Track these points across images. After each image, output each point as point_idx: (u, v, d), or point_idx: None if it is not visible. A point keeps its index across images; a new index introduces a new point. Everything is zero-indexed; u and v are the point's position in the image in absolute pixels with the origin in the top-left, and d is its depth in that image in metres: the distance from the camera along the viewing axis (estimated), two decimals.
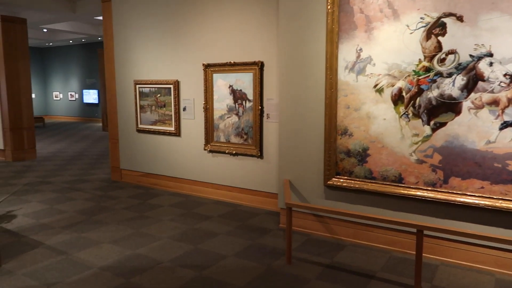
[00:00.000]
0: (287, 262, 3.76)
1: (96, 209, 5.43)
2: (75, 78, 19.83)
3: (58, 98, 20.64)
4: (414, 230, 3.23)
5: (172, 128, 6.22)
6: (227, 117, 5.62)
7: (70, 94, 20.01)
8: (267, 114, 5.31)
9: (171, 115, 6.18)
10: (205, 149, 5.88)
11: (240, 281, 3.43)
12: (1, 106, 8.96)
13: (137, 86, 6.51)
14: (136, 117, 6.62)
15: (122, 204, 5.68)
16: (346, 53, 4.01)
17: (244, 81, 5.40)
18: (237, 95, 5.49)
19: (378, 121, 3.92)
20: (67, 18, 12.73)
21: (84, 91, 19.19)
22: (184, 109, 6.07)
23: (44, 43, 18.69)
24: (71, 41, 18.03)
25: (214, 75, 5.65)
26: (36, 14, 11.94)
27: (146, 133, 6.58)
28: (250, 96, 5.39)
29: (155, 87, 6.32)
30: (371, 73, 3.89)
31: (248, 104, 5.42)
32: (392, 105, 3.83)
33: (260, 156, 5.41)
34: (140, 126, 6.61)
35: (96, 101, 18.70)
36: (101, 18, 12.19)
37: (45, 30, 14.86)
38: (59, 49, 20.21)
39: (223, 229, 4.67)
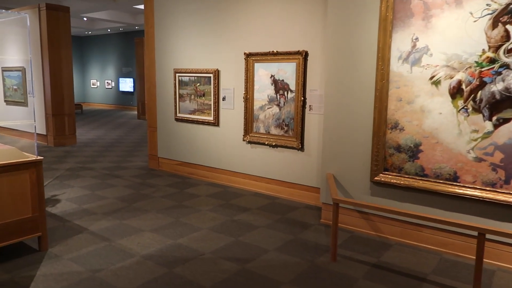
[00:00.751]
0: (331, 259, 3.63)
1: (135, 197, 5.48)
2: (111, 67, 20.24)
3: (95, 86, 21.16)
4: (471, 232, 3.02)
5: (210, 118, 6.17)
6: (268, 108, 5.50)
7: (107, 82, 20.46)
8: (310, 106, 5.15)
9: (210, 104, 6.13)
10: (244, 140, 5.80)
11: (284, 277, 3.34)
12: (44, 93, 9.22)
13: (177, 74, 6.49)
14: (175, 106, 6.62)
15: (160, 192, 5.70)
16: (400, 43, 3.79)
17: (287, 71, 5.25)
18: (279, 86, 5.35)
19: (433, 115, 3.69)
20: (108, 7, 12.92)
21: (120, 79, 19.56)
22: (224, 98, 6.00)
23: (84, 31, 19.13)
24: (109, 30, 18.35)
25: (256, 65, 5.53)
26: (77, 3, 12.17)
27: (184, 122, 6.57)
28: (292, 86, 5.24)
29: (194, 76, 6.27)
30: (427, 64, 3.66)
31: (290, 95, 5.27)
32: (450, 99, 3.59)
33: (301, 148, 5.27)
34: (178, 115, 6.60)
35: (131, 90, 19.03)
36: (139, 6, 12.29)
37: (85, 18, 15.17)
38: (97, 38, 20.66)
39: (262, 222, 4.59)
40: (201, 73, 6.17)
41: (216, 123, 6.12)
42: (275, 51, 5.29)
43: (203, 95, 6.22)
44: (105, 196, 5.46)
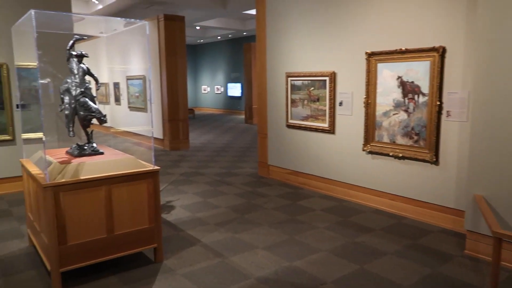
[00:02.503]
0: None
1: (247, 207, 5.25)
2: (221, 73, 21.03)
3: (206, 91, 22.22)
4: None
5: (325, 125, 5.67)
6: (393, 114, 4.81)
7: (216, 88, 21.32)
8: (448, 111, 4.33)
9: (325, 110, 5.64)
10: (363, 150, 5.18)
11: None
12: (161, 99, 9.72)
13: (289, 79, 6.15)
14: (287, 112, 6.28)
15: (272, 203, 5.39)
16: None
17: (418, 71, 4.51)
18: (408, 88, 4.63)
19: None
20: (218, 14, 13.30)
21: (229, 84, 20.19)
22: (341, 103, 5.45)
23: (196, 40, 20.21)
24: (219, 37, 19.07)
25: (379, 65, 4.88)
26: (191, 12, 12.75)
27: (296, 129, 6.19)
28: (424, 89, 4.48)
29: (308, 80, 5.85)
30: None
31: (421, 99, 4.52)
32: None
33: (435, 162, 4.47)
34: (290, 121, 6.25)
35: (239, 94, 19.48)
36: (249, 12, 12.37)
37: (198, 27, 15.92)
38: (208, 46, 21.68)
39: (390, 248, 3.94)
40: (315, 76, 5.72)
41: (331, 130, 5.61)
42: (403, 48, 4.58)
43: (317, 100, 5.76)
44: (217, 205, 5.34)
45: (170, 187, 6.27)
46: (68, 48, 3.40)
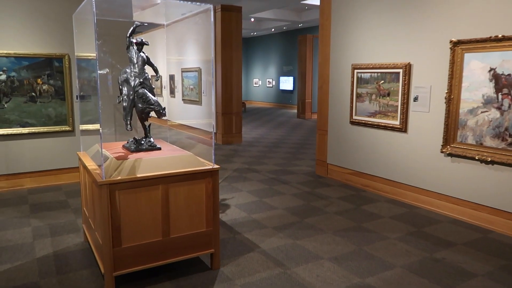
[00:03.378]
0: None
1: (306, 209, 4.86)
2: (273, 66, 20.64)
3: (257, 85, 21.95)
4: None
5: (396, 122, 5.12)
6: (482, 112, 4.18)
7: (268, 81, 20.97)
8: None
9: (397, 106, 5.09)
10: (442, 151, 4.59)
11: None
12: (215, 92, 9.53)
13: (356, 71, 5.63)
14: (351, 107, 5.78)
15: (333, 207, 4.96)
16: None
17: None
18: (502, 82, 3.98)
19: None
20: (275, 5, 12.86)
21: (281, 78, 19.76)
22: (416, 99, 4.88)
23: (250, 32, 19.94)
24: (273, 29, 18.66)
25: (466, 55, 4.26)
26: (247, 3, 12.43)
27: (361, 126, 5.68)
28: None
29: (377, 72, 5.31)
30: None
31: None
32: None
33: None
34: (355, 117, 5.74)
35: (291, 88, 19.01)
36: (308, 1, 11.84)
37: (252, 19, 15.60)
38: (261, 38, 21.35)
39: (479, 268, 3.39)
40: (386, 68, 5.17)
41: (403, 128, 5.05)
42: (499, 35, 3.94)
43: (388, 94, 5.21)
44: (274, 206, 5.00)
45: (224, 184, 6.02)
46: (128, 35, 3.17)
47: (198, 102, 10.32)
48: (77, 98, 5.66)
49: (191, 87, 10.54)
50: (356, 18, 5.58)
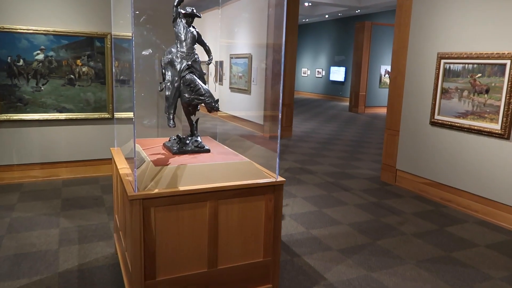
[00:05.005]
0: None
1: (377, 227, 4.02)
2: (323, 55, 19.52)
3: (306, 75, 20.92)
4: None
5: (496, 126, 4.12)
6: None
7: (317, 71, 19.89)
8: None
9: (499, 106, 4.08)
10: None
11: None
12: (265, 82, 8.76)
13: (443, 61, 4.64)
14: (433, 105, 4.80)
15: (410, 226, 4.08)
16: None
17: None
18: None
19: None
20: None
21: (332, 68, 18.63)
22: None
23: (302, 19, 18.89)
24: (327, 16, 17.53)
25: None
26: None
27: (446, 128, 4.70)
28: None
29: (473, 63, 4.31)
30: None
31: None
32: None
33: None
34: (437, 117, 4.77)
35: (342, 79, 17.86)
36: None
37: (307, 3, 14.59)
38: (312, 26, 20.23)
39: None
40: (486, 58, 4.16)
41: (505, 135, 4.04)
42: None
43: (486, 91, 4.20)
44: (336, 220, 4.19)
45: None
46: (175, 4, 2.46)
47: (246, 91, 9.61)
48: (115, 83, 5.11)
49: (240, 74, 9.83)
50: None
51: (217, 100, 2.42)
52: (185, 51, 2.46)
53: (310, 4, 14.81)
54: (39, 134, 4.99)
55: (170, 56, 2.52)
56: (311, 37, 20.42)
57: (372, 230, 3.96)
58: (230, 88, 10.52)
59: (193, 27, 2.53)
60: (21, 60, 4.74)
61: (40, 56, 4.81)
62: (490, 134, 4.18)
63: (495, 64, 4.08)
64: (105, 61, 5.12)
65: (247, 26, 9.64)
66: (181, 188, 2.20)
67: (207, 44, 2.62)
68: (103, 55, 5.11)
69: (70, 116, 5.08)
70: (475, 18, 4.30)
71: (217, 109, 2.41)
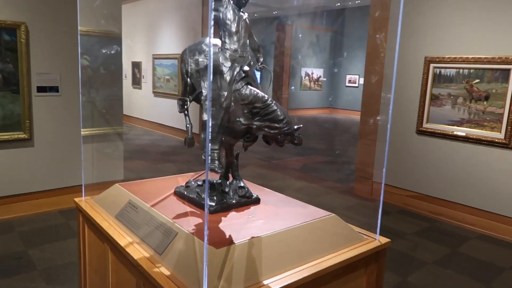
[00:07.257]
0: None
1: (394, 257, 3.46)
2: None
3: None
4: None
5: (498, 135, 3.87)
6: None
7: None
8: None
9: (501, 114, 3.83)
10: None
11: None
12: None
13: (432, 65, 4.30)
14: (421, 112, 4.45)
15: (422, 251, 3.61)
16: None
17: None
18: None
19: None
20: None
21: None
22: None
23: None
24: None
25: None
26: None
27: (436, 137, 4.38)
28: None
29: (470, 68, 4.02)
30: None
31: None
32: None
33: None
34: (426, 125, 4.42)
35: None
36: None
37: None
38: None
39: None
40: (485, 63, 3.89)
41: (509, 144, 3.81)
42: None
43: (485, 98, 3.94)
44: None
45: None
46: None
47: (177, 95, 8.47)
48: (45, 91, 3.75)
49: (167, 77, 8.65)
50: None
51: (298, 128, 1.52)
52: (238, 49, 1.52)
53: None
54: None
55: (202, 59, 1.55)
56: None
57: (392, 262, 3.38)
58: (154, 92, 9.24)
59: (243, 13, 1.59)
60: None
61: None
62: (491, 143, 3.93)
63: (497, 69, 3.82)
64: (19, 61, 3.70)
65: (176, 23, 8.51)
66: (270, 282, 1.28)
67: (256, 41, 1.69)
68: (14, 53, 3.68)
69: None
70: (474, 18, 4.01)
71: (300, 143, 1.51)
